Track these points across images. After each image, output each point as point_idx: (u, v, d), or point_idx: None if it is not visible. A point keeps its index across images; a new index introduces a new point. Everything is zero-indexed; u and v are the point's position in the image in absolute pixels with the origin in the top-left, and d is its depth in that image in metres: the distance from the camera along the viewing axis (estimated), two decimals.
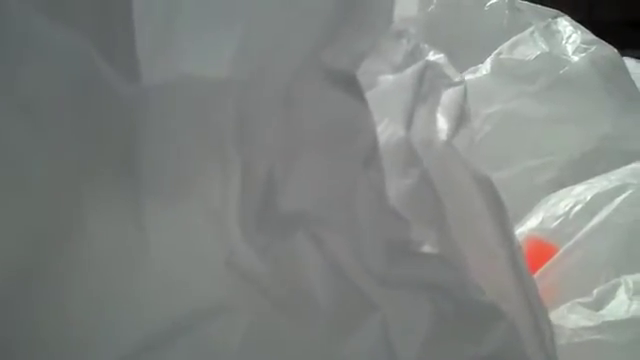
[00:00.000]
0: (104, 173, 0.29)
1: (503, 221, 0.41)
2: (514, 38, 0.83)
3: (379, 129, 0.36)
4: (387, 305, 0.33)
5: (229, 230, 0.30)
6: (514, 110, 0.79)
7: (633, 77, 0.83)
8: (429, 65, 0.43)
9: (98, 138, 0.29)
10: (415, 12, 0.89)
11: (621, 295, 0.54)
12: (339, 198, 0.33)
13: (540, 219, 0.65)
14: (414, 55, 0.43)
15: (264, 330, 0.31)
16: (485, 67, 0.81)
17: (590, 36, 0.84)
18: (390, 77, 0.41)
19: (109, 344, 0.29)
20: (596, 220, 0.60)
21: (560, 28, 0.85)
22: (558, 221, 0.64)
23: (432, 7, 0.90)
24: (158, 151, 0.29)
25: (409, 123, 0.39)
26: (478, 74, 0.80)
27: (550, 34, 0.84)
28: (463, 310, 0.35)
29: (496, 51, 0.82)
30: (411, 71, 0.42)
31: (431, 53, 0.45)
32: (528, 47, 0.82)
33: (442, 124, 0.41)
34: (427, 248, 0.35)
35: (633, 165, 0.65)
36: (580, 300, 0.55)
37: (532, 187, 0.74)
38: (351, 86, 0.34)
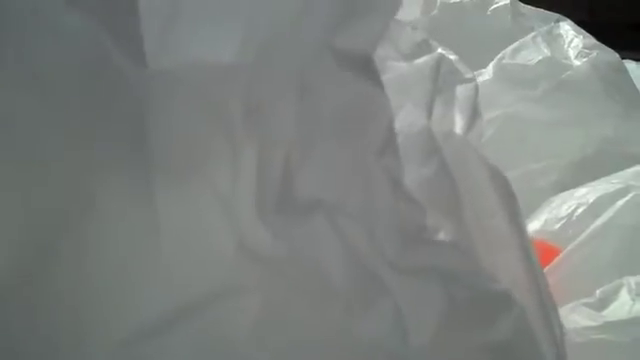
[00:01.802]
0: (115, 152, 0.29)
1: (516, 215, 0.41)
2: (516, 43, 0.84)
3: (402, 115, 0.36)
4: (400, 290, 0.32)
5: (240, 213, 0.30)
6: (516, 114, 0.80)
7: (634, 80, 0.84)
8: (443, 58, 0.42)
9: (108, 116, 0.29)
10: (418, 16, 0.89)
11: (624, 296, 0.54)
12: (355, 184, 0.32)
13: (543, 221, 0.65)
14: (421, 47, 0.43)
15: (277, 312, 0.31)
16: (487, 72, 0.81)
17: (592, 40, 0.85)
18: (403, 64, 0.41)
19: (111, 328, 0.29)
20: (599, 222, 0.61)
21: (562, 32, 0.86)
22: (561, 223, 0.64)
23: (435, 11, 0.91)
24: (166, 133, 0.29)
25: (429, 113, 0.39)
26: (480, 79, 0.80)
27: (552, 38, 0.85)
28: (475, 297, 0.35)
29: (498, 56, 0.82)
30: (426, 61, 0.42)
31: (440, 49, 0.44)
32: (530, 52, 0.83)
33: (458, 119, 0.41)
34: (442, 235, 0.35)
35: (636, 168, 0.65)
36: (583, 301, 0.55)
37: (534, 190, 0.74)
38: (367, 70, 0.33)
